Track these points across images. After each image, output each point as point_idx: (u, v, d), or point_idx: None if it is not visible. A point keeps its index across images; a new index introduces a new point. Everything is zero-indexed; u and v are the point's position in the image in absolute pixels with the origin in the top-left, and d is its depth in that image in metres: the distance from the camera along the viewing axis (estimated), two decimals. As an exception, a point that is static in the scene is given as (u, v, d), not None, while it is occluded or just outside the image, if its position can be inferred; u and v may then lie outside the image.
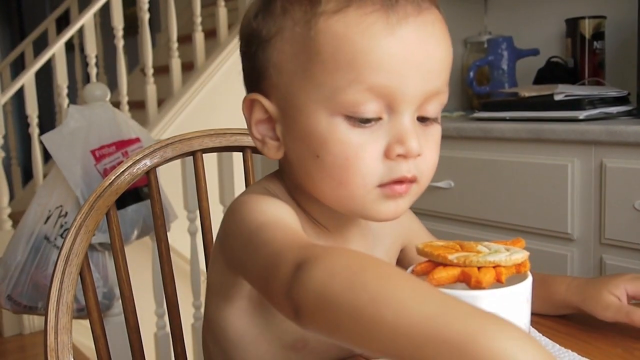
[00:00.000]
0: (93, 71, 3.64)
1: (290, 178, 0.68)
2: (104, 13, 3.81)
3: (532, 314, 0.60)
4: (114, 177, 0.88)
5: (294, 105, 0.62)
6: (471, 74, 2.04)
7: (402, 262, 0.81)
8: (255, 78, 0.65)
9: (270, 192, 0.68)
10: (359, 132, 0.59)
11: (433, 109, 0.62)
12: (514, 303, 0.55)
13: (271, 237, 0.55)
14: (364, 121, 0.59)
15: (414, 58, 0.58)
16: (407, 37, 0.58)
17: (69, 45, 3.66)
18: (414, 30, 0.58)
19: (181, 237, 2.47)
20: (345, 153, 0.59)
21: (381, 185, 0.61)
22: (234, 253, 0.61)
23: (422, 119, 0.62)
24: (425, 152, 0.61)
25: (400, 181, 0.61)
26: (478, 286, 0.55)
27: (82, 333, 2.33)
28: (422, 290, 0.42)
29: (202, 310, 2.30)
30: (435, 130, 0.64)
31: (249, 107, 0.66)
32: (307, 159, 0.62)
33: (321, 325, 0.45)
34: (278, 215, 0.60)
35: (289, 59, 0.61)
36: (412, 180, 0.62)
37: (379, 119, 0.59)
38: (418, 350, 0.39)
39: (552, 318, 0.78)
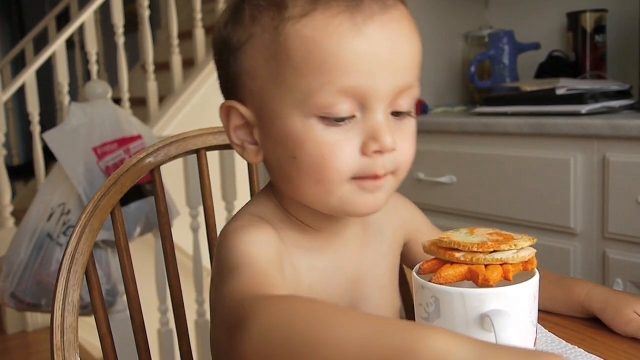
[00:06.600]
0: (94, 68, 3.64)
1: (276, 185, 0.70)
2: (104, 10, 3.80)
3: (541, 311, 0.60)
4: (118, 176, 0.88)
5: (270, 110, 0.63)
6: (472, 68, 2.03)
7: (406, 256, 0.81)
8: (230, 85, 0.67)
9: (257, 215, 0.69)
10: (334, 132, 0.60)
11: (406, 103, 0.63)
12: (521, 300, 0.55)
13: (232, 289, 0.57)
14: (339, 120, 0.60)
15: (382, 56, 0.59)
16: (374, 35, 0.59)
17: (70, 43, 3.66)
18: (380, 28, 0.59)
19: (183, 233, 2.47)
20: (321, 152, 0.61)
21: (355, 178, 0.62)
22: (214, 290, 0.65)
23: (396, 114, 0.63)
24: (401, 146, 0.63)
25: (374, 177, 0.63)
26: (486, 284, 0.55)
27: (87, 331, 2.34)
28: (356, 321, 0.45)
29: (205, 306, 2.30)
30: (410, 124, 0.65)
31: (226, 114, 0.67)
32: (285, 161, 0.64)
33: None
34: (253, 253, 0.62)
35: (261, 66, 0.62)
36: (386, 174, 0.63)
37: (353, 117, 0.61)
38: None
39: (559, 315, 0.78)
